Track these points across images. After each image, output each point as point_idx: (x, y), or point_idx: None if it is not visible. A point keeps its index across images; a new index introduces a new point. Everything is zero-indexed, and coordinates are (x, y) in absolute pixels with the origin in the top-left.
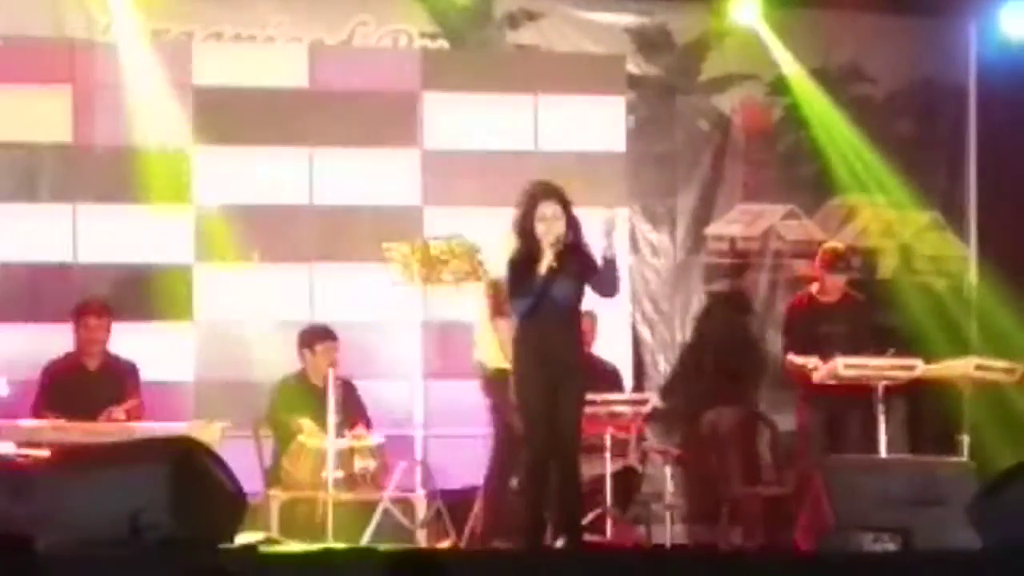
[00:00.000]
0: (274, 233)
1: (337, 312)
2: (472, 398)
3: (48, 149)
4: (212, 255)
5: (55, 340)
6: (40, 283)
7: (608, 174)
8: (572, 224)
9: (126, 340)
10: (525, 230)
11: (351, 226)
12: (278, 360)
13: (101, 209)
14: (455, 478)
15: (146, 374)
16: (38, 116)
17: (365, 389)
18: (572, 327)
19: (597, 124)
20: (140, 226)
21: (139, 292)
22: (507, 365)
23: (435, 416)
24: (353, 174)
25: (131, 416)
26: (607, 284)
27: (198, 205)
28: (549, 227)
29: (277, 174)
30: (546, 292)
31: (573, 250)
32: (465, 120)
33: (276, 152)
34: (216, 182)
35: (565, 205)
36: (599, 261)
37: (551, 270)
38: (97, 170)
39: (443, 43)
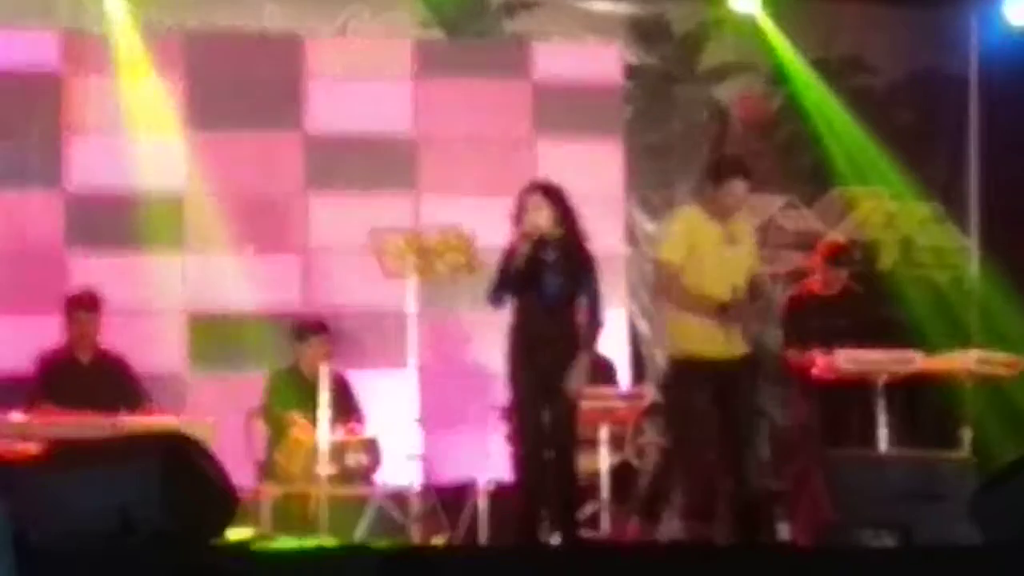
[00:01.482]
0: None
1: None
2: (468, 390)
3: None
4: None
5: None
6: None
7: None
8: (567, 219)
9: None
10: (517, 222)
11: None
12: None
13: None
14: (450, 472)
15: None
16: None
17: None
18: (564, 320)
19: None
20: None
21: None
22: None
23: (431, 407)
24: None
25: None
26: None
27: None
28: (532, 218)
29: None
30: (525, 283)
31: (566, 244)
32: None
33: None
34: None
35: (554, 198)
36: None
37: (529, 260)
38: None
39: (438, 32)
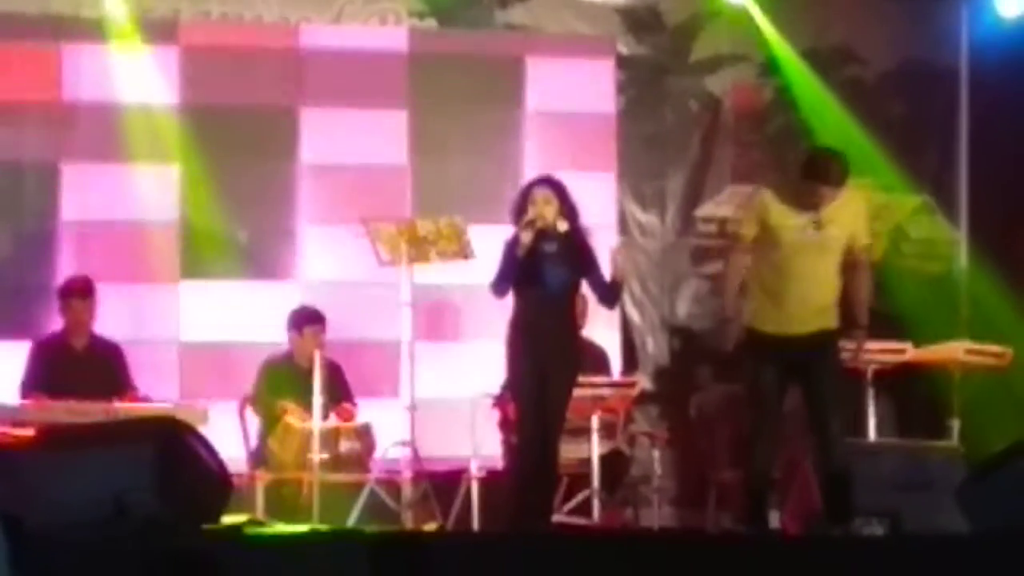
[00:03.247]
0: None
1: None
2: (461, 379)
3: None
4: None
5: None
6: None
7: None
8: (568, 211)
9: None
10: (519, 215)
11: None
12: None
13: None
14: (442, 460)
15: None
16: None
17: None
18: (564, 312)
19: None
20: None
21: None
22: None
23: (423, 392)
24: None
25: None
26: (609, 299)
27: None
28: (541, 211)
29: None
30: (526, 274)
31: (567, 237)
32: None
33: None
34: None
35: (559, 192)
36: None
37: (530, 251)
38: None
39: (431, 22)
